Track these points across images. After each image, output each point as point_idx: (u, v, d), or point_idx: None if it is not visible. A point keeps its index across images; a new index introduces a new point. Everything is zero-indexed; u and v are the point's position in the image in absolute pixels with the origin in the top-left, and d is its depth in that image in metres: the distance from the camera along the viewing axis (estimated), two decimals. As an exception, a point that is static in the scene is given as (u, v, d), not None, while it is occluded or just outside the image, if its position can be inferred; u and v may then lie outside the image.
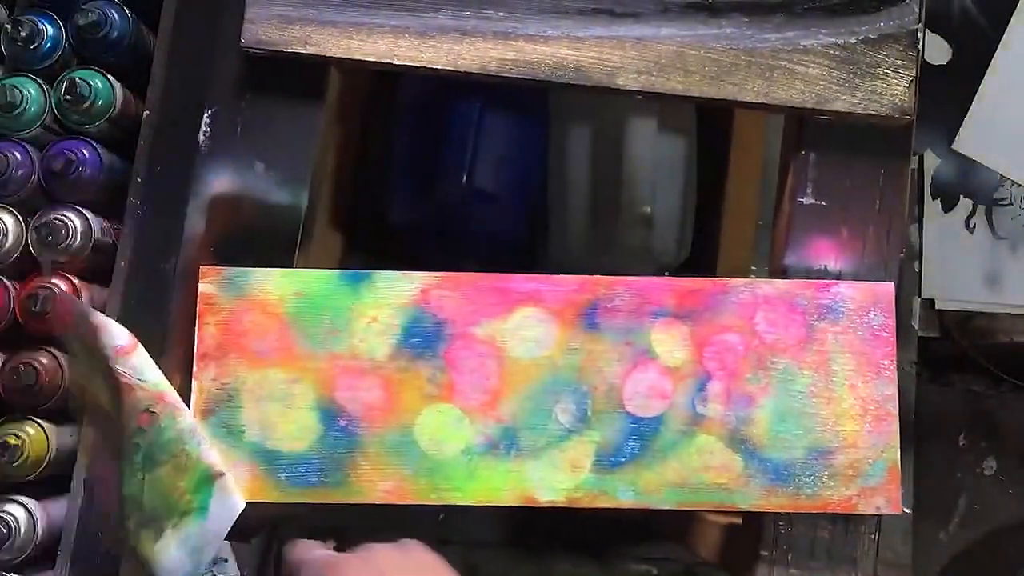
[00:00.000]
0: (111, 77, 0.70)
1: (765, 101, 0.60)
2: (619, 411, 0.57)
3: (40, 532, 0.66)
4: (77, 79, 0.68)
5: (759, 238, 0.89)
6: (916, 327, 0.86)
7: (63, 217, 0.67)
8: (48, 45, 0.69)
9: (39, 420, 0.67)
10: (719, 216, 0.89)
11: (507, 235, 0.87)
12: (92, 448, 0.62)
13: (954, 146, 0.94)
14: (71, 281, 0.68)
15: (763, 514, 0.60)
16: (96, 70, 0.69)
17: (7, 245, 0.67)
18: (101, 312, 0.66)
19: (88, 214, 0.69)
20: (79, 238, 0.68)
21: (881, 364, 0.57)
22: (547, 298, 0.57)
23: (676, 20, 0.60)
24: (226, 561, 0.95)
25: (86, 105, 0.68)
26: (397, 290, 0.57)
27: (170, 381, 0.60)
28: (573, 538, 0.97)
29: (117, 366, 0.56)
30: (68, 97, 0.68)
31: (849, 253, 0.61)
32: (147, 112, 0.70)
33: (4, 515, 0.65)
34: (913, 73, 0.60)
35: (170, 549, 0.54)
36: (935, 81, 0.93)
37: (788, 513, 0.59)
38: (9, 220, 0.67)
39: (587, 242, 0.83)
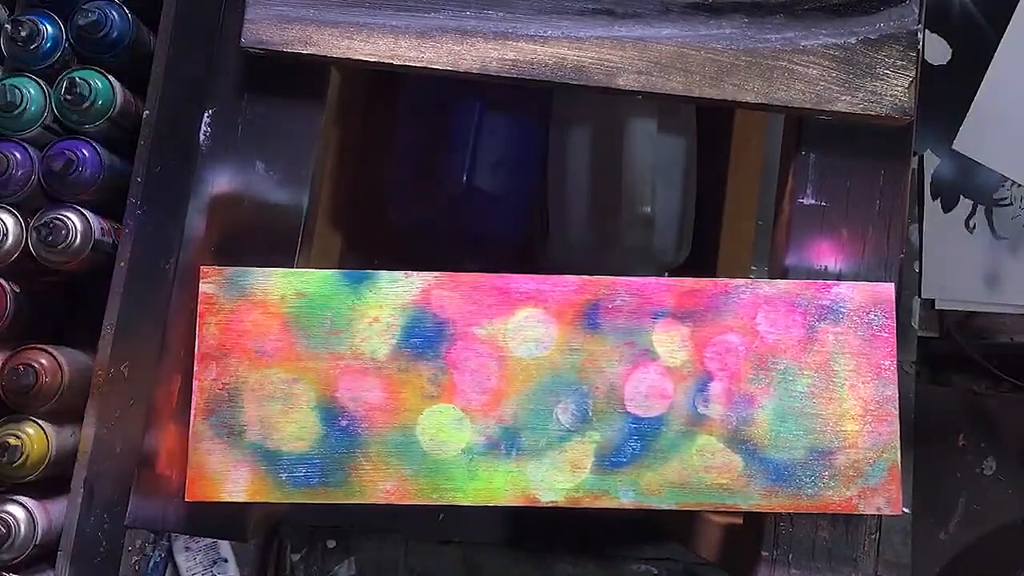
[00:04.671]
0: (111, 77, 0.70)
1: (765, 101, 0.60)
2: (620, 411, 0.57)
3: (40, 532, 0.66)
4: (77, 79, 0.68)
5: (759, 238, 0.89)
6: (916, 327, 0.86)
7: (63, 217, 0.67)
8: (48, 45, 0.69)
9: (39, 420, 0.67)
10: (719, 216, 0.88)
11: (507, 235, 0.87)
12: None
13: (954, 146, 0.94)
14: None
15: (764, 514, 0.60)
16: (96, 70, 0.69)
17: (7, 245, 0.67)
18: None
19: (88, 214, 0.69)
20: (79, 238, 0.68)
21: (882, 365, 0.57)
22: (548, 298, 0.57)
23: (677, 20, 0.60)
24: (226, 561, 0.95)
25: (86, 105, 0.68)
26: (398, 290, 0.57)
27: (170, 381, 0.60)
28: (573, 538, 0.97)
29: None
30: (68, 97, 0.68)
31: (849, 254, 0.61)
32: (147, 112, 0.70)
33: (4, 515, 0.65)
34: (913, 73, 0.60)
35: None
36: (935, 81, 0.93)
37: (789, 513, 0.59)
38: (9, 220, 0.67)
39: (587, 242, 0.83)
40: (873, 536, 0.60)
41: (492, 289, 0.57)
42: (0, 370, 0.66)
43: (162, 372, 0.60)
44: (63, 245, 0.67)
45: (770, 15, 0.60)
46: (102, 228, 0.70)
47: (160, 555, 0.93)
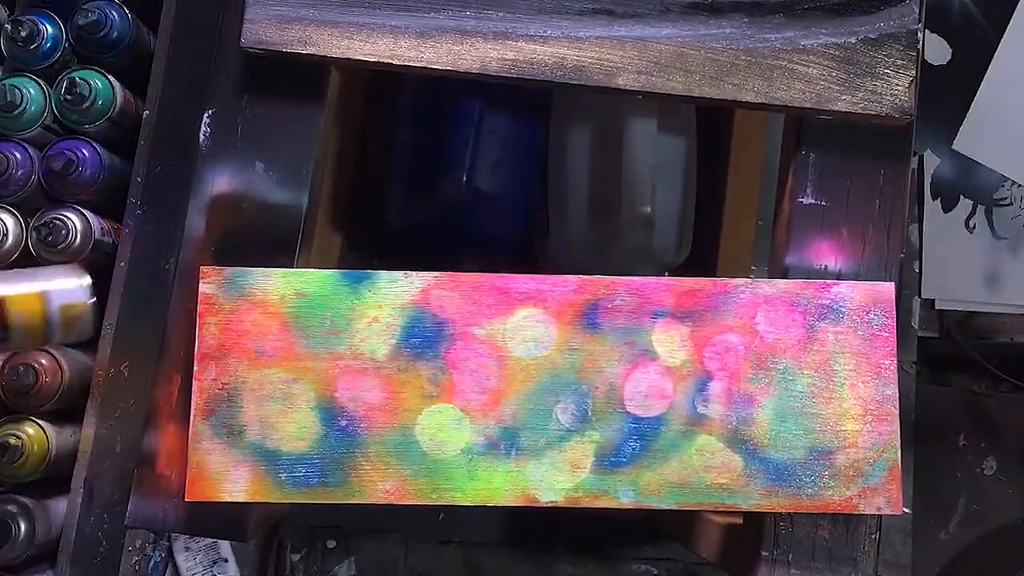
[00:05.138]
0: (111, 77, 0.70)
1: (765, 101, 0.60)
2: (619, 411, 0.57)
3: (40, 532, 0.66)
4: (77, 79, 0.68)
5: (759, 238, 0.89)
6: (916, 327, 0.86)
7: (63, 217, 0.67)
8: (48, 45, 0.69)
9: (39, 420, 0.67)
10: (719, 216, 0.88)
11: (507, 235, 0.87)
12: None
13: (954, 146, 0.94)
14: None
15: (764, 514, 0.60)
16: (96, 70, 0.69)
17: (7, 245, 0.67)
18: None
19: (88, 214, 0.69)
20: (79, 238, 0.68)
21: (881, 364, 0.57)
22: (548, 298, 0.57)
23: (676, 20, 0.60)
24: (226, 561, 0.95)
25: (86, 105, 0.68)
26: (398, 290, 0.57)
27: (170, 380, 0.60)
28: (573, 538, 0.97)
29: None
30: (68, 97, 0.68)
31: (849, 253, 0.61)
32: (147, 112, 0.70)
33: (4, 515, 0.65)
34: (913, 73, 0.60)
35: None
36: (935, 81, 0.93)
37: (789, 513, 0.59)
38: (9, 220, 0.67)
39: (587, 242, 0.83)
40: (873, 536, 0.60)
41: (492, 289, 0.57)
42: (0, 370, 0.66)
43: (162, 372, 0.60)
44: (63, 245, 0.67)
45: (770, 15, 0.60)
46: (102, 228, 0.70)
47: (160, 555, 0.93)
